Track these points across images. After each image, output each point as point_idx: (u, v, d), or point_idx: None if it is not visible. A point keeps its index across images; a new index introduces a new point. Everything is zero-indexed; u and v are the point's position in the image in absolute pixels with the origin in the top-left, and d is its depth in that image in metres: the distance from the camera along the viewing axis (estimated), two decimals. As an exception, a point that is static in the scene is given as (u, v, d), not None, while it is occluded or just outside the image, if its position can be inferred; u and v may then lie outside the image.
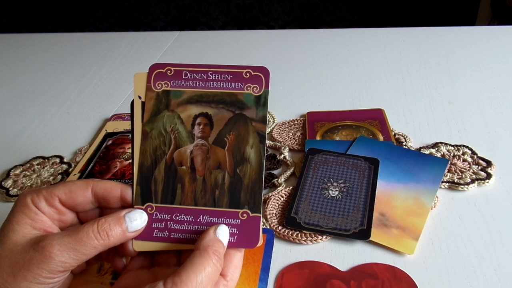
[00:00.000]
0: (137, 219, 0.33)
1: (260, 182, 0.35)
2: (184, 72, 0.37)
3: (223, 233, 0.33)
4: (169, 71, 0.37)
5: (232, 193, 0.35)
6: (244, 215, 0.34)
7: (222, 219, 0.34)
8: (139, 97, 0.37)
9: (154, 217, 0.35)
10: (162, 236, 0.34)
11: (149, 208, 0.35)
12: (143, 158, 0.36)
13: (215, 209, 0.34)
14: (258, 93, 0.36)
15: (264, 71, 0.36)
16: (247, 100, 0.36)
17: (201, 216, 0.34)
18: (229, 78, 0.36)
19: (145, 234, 0.34)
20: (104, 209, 0.35)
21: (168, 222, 0.34)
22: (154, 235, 0.34)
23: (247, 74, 0.36)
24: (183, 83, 0.37)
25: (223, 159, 0.35)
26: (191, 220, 0.34)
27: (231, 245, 0.34)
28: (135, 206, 0.35)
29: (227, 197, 0.34)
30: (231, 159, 0.35)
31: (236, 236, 0.34)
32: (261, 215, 0.34)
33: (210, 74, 0.37)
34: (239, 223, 0.34)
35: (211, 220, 0.34)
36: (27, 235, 0.31)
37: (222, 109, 0.36)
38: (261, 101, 0.36)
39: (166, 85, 0.37)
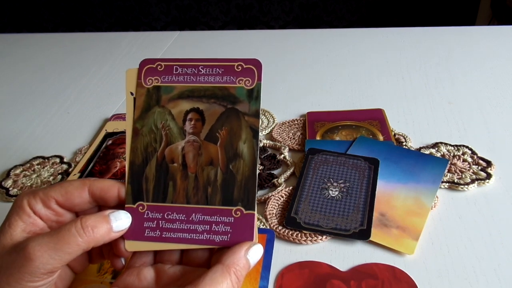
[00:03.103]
0: (122, 218, 0.33)
1: (253, 178, 0.34)
2: (174, 67, 0.36)
3: (255, 253, 0.32)
4: (159, 67, 0.36)
5: (225, 190, 0.34)
6: (238, 212, 0.33)
7: (215, 217, 0.33)
8: (131, 94, 0.36)
9: (145, 216, 0.34)
10: (154, 235, 0.34)
11: (140, 207, 0.34)
12: (133, 155, 0.35)
13: (207, 207, 0.34)
14: (251, 87, 0.35)
15: (256, 64, 0.35)
16: (239, 94, 0.35)
17: (194, 214, 0.34)
18: (220, 72, 0.36)
19: (137, 234, 0.34)
20: (102, 208, 0.35)
21: (160, 221, 0.34)
22: (145, 234, 0.34)
23: (239, 67, 0.36)
24: (173, 78, 0.36)
25: (215, 155, 0.35)
26: (183, 218, 0.34)
27: (224, 244, 0.33)
28: (126, 206, 0.34)
29: (220, 194, 0.34)
30: (224, 155, 0.34)
31: (229, 235, 0.33)
32: (255, 212, 0.33)
33: (201, 68, 0.36)
34: (232, 221, 0.33)
35: (204, 218, 0.34)
36: (14, 237, 0.30)
37: (213, 104, 0.35)
38: (254, 94, 0.35)
39: (156, 81, 0.36)
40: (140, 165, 0.35)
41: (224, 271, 0.30)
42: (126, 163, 0.35)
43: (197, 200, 0.34)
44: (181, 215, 0.34)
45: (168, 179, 0.35)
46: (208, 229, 0.33)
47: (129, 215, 0.33)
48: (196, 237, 0.33)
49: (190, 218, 0.34)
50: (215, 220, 0.33)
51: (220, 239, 0.33)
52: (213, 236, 0.33)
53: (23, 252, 0.29)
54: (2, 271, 0.29)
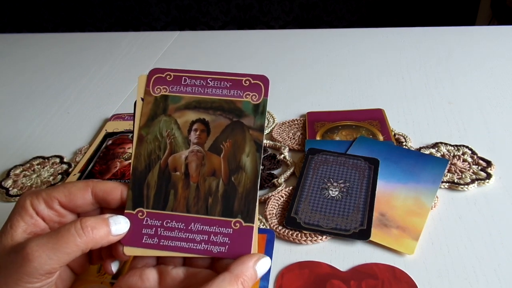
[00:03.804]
0: (121, 223, 0.33)
1: (255, 191, 0.34)
2: (183, 77, 0.37)
3: (263, 266, 0.32)
4: (168, 76, 0.37)
5: (225, 201, 0.34)
6: (237, 224, 0.33)
7: (214, 227, 0.33)
8: (142, 99, 0.36)
9: (144, 222, 0.34)
10: (152, 242, 0.34)
11: (140, 214, 0.34)
12: (137, 161, 0.35)
13: (207, 217, 0.34)
14: (257, 102, 0.36)
15: (264, 80, 0.36)
16: (246, 108, 0.36)
17: (193, 223, 0.34)
18: (228, 86, 0.36)
19: (135, 240, 0.34)
20: (105, 209, 0.35)
21: (159, 229, 0.34)
22: (143, 241, 0.34)
23: (247, 82, 0.36)
24: (181, 89, 0.36)
25: (218, 166, 0.35)
26: (182, 227, 0.34)
27: (221, 255, 0.33)
28: (125, 211, 0.34)
29: (220, 205, 0.34)
30: (226, 167, 0.35)
31: (227, 246, 0.33)
32: (254, 225, 0.33)
33: (209, 80, 0.36)
34: (231, 232, 0.33)
35: (203, 228, 0.34)
36: (15, 238, 0.30)
37: (219, 116, 0.36)
38: (260, 109, 0.36)
39: (164, 90, 0.36)
40: (142, 171, 0.35)
41: (232, 280, 0.30)
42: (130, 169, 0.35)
43: (197, 210, 0.34)
44: (180, 223, 0.34)
45: (170, 187, 0.35)
46: (206, 239, 0.33)
47: (127, 220, 0.33)
48: (194, 247, 0.33)
49: (189, 227, 0.34)
50: (214, 230, 0.33)
51: (218, 250, 0.33)
52: (211, 246, 0.33)
53: (22, 252, 0.28)
54: (1, 271, 0.29)
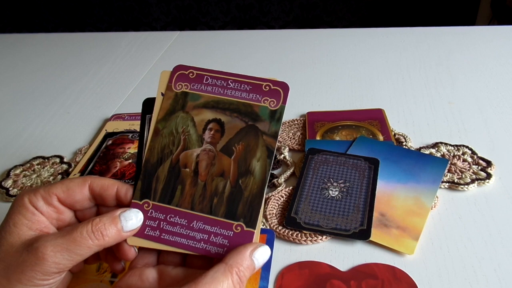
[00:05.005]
0: (133, 219, 0.33)
1: (260, 197, 0.34)
2: (205, 76, 0.37)
3: (261, 255, 0.32)
4: (191, 74, 0.38)
5: (230, 203, 0.34)
6: (238, 228, 0.34)
7: (215, 228, 0.34)
8: (162, 94, 0.37)
9: (149, 214, 0.34)
10: (153, 235, 0.34)
11: (146, 205, 0.35)
12: (150, 154, 0.36)
13: (210, 217, 0.34)
14: (274, 108, 0.36)
15: (284, 87, 0.36)
16: (262, 113, 0.36)
17: (195, 221, 0.34)
18: (248, 89, 0.36)
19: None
20: (101, 207, 0.35)
21: (161, 222, 0.34)
22: (145, 232, 0.34)
23: (267, 87, 0.36)
24: (202, 87, 0.37)
25: (227, 168, 0.35)
26: (184, 223, 0.34)
27: (218, 256, 0.33)
28: (132, 201, 0.35)
29: (225, 206, 0.34)
30: (236, 169, 0.35)
31: (225, 248, 0.33)
32: (255, 231, 0.33)
33: (230, 82, 0.37)
34: (231, 235, 0.33)
35: (204, 227, 0.34)
36: (22, 236, 0.31)
37: (235, 118, 0.36)
38: (276, 116, 0.36)
39: (186, 87, 0.37)
40: (154, 164, 0.36)
41: (226, 271, 0.30)
42: (142, 160, 0.36)
43: (201, 208, 0.34)
44: (183, 220, 0.34)
45: (178, 183, 0.35)
46: (206, 238, 0.34)
47: (140, 214, 0.34)
48: (193, 245, 0.34)
49: (191, 225, 0.34)
50: (214, 231, 0.34)
51: (216, 251, 0.33)
52: (210, 246, 0.33)
53: (36, 251, 0.29)
54: (12, 269, 0.29)
